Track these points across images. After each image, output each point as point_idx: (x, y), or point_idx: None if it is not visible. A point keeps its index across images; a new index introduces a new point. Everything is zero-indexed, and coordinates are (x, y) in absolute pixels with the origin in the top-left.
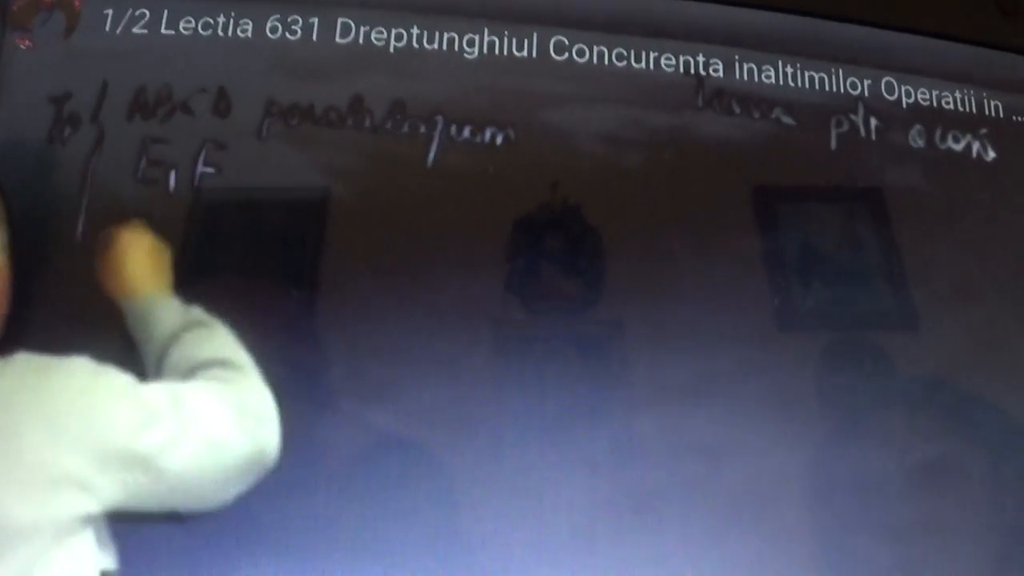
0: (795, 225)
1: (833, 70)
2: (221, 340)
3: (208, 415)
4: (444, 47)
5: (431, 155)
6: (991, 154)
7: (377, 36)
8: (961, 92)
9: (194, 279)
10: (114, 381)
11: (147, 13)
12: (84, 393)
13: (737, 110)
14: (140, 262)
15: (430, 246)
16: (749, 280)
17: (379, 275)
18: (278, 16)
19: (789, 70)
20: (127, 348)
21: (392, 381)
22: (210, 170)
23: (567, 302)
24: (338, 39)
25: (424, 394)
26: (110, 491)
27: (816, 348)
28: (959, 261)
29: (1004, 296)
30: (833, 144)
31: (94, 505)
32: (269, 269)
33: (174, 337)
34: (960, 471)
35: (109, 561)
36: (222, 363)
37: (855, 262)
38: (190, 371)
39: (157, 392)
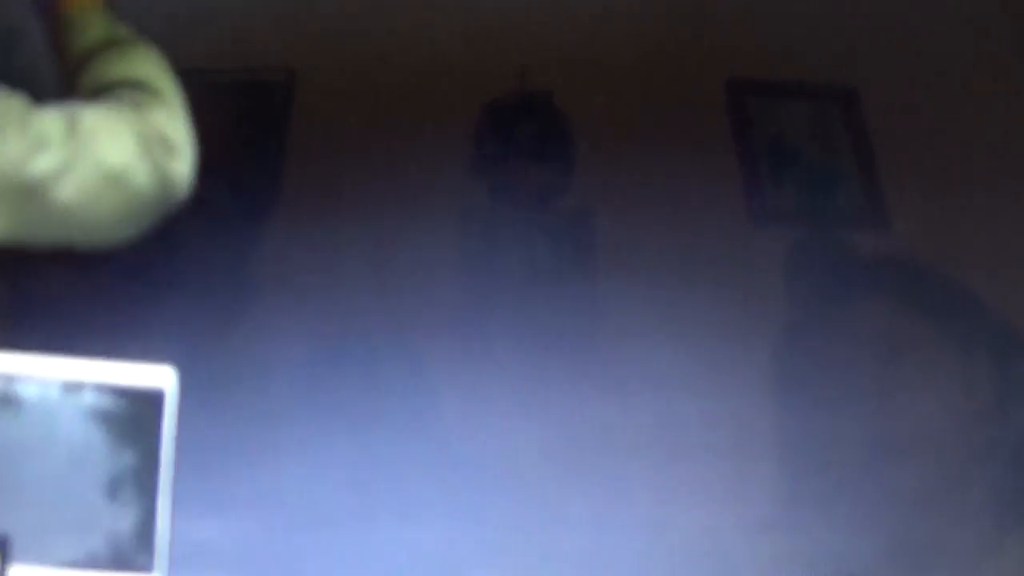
0: (767, 119)
1: None
2: (141, 60)
3: (107, 140)
4: None
5: None
6: None
7: None
8: None
9: None
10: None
11: None
12: None
13: None
14: None
15: (394, 126)
16: (721, 166)
17: (341, 155)
18: None
19: None
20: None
21: (355, 266)
22: None
23: (535, 189)
24: None
25: (389, 280)
26: None
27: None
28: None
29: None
30: None
31: None
32: None
33: (91, 53)
34: (929, 355)
35: None
36: (137, 85)
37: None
38: (99, 91)
39: (50, 115)
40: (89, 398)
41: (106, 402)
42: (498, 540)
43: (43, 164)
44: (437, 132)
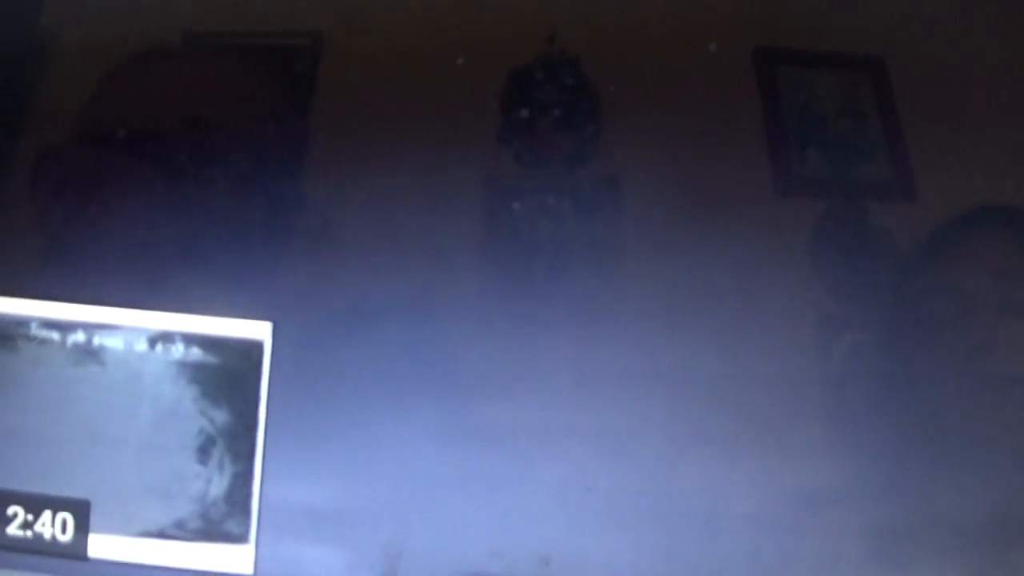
0: (795, 88)
1: None
2: None
3: None
4: None
5: None
6: None
7: None
8: None
9: None
10: None
11: None
12: None
13: None
14: None
15: (421, 91)
16: (748, 135)
17: (365, 119)
18: None
19: None
20: None
21: (378, 233)
22: None
23: (562, 155)
24: None
25: (412, 246)
26: None
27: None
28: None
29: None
30: None
31: None
32: None
33: None
34: (963, 330)
35: None
36: None
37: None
38: None
39: None
40: (179, 351)
41: (198, 356)
42: (603, 507)
43: None
44: (463, 98)
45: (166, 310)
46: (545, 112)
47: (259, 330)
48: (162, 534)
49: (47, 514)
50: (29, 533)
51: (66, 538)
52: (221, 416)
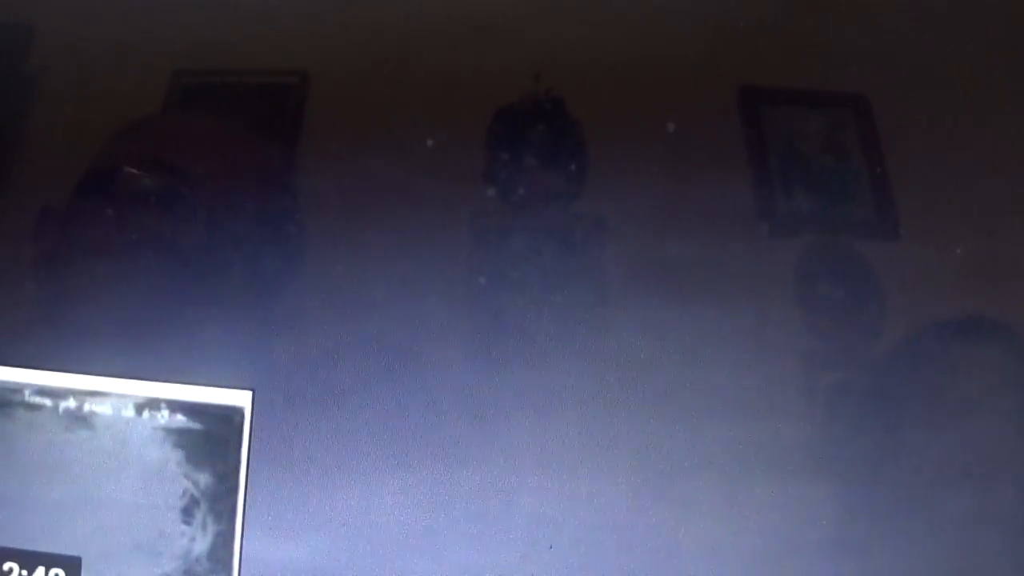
0: (779, 128)
1: None
2: None
3: None
4: None
5: None
6: None
7: None
8: None
9: None
10: None
11: None
12: None
13: None
14: None
15: (406, 132)
16: (732, 174)
17: (350, 158)
18: None
19: None
20: None
21: (365, 273)
22: None
23: (547, 195)
24: None
25: (397, 286)
26: None
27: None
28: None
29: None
30: None
31: None
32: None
33: None
34: (969, 367)
35: None
36: None
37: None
38: None
39: None
40: (164, 417)
41: (182, 422)
42: (566, 563)
43: None
44: (449, 137)
45: (152, 379)
46: (530, 151)
47: (240, 398)
48: None
49: (40, 570)
50: None
51: None
52: (204, 478)
